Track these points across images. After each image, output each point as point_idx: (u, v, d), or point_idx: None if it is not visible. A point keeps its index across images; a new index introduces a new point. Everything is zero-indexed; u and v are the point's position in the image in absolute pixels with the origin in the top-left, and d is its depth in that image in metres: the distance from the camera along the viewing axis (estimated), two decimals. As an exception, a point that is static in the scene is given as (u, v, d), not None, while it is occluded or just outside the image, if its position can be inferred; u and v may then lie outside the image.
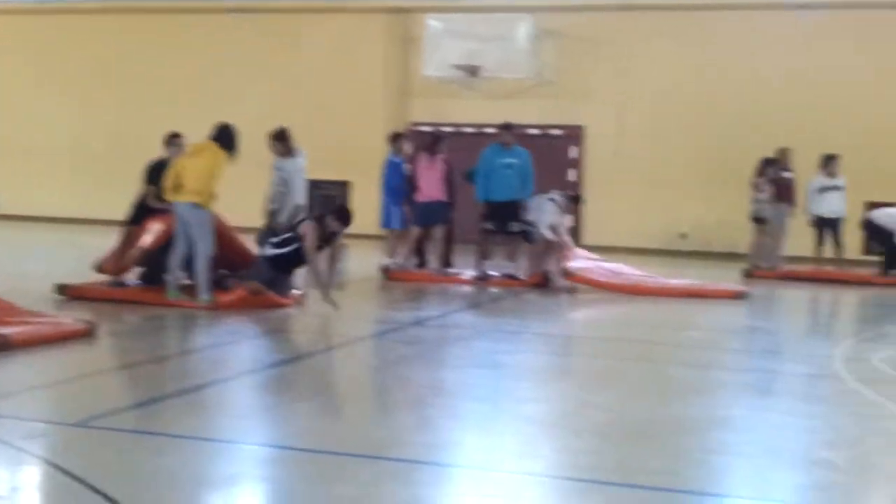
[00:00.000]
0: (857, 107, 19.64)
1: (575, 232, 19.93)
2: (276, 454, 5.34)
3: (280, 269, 10.35)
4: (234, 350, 8.50)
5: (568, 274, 13.09)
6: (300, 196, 12.05)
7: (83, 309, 9.44)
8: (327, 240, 10.35)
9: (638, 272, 14.06)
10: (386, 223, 14.48)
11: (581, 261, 13.66)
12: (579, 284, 12.92)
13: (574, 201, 15.59)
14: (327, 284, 10.14)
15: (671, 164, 20.67)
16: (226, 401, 6.63)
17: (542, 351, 8.99)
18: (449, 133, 15.29)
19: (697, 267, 17.27)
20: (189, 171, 10.11)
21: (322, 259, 10.24)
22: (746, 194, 16.69)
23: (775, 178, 16.40)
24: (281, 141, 11.98)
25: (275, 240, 10.45)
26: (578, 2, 21.26)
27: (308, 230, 10.20)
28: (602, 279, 13.18)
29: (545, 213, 13.60)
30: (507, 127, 13.96)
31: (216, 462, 5.12)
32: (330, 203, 22.20)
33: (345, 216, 10.56)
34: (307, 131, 22.29)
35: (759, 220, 16.32)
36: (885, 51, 19.77)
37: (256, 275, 10.32)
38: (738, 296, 12.95)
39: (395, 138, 14.78)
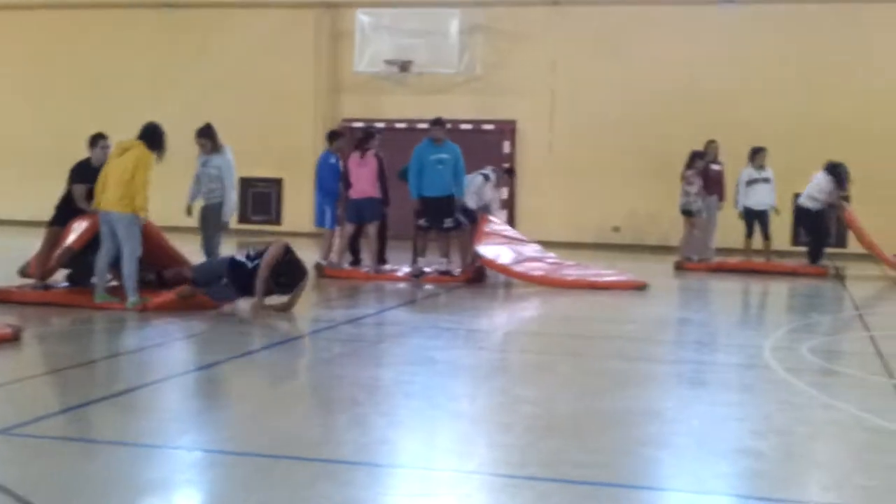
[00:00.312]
0: (784, 99, 20.01)
1: (510, 205, 20.12)
2: (208, 458, 5.28)
3: (238, 277, 10.20)
4: (163, 353, 8.40)
5: (476, 257, 13.34)
6: (234, 192, 11.97)
7: (8, 313, 9.25)
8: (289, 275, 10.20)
9: (551, 258, 14.35)
10: (319, 222, 14.41)
11: (494, 245, 13.81)
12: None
13: (508, 174, 15.86)
14: (260, 301, 10.05)
15: (603, 158, 20.85)
16: (155, 404, 6.54)
17: (475, 347, 9.02)
18: (380, 129, 15.21)
19: (629, 260, 17.45)
20: (113, 172, 9.96)
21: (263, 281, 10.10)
22: (677, 187, 16.88)
23: (704, 170, 16.61)
24: (208, 137, 11.84)
25: (252, 252, 10.32)
26: (506, -4, 21.35)
27: (275, 251, 10.07)
28: (510, 267, 13.41)
29: (476, 190, 13.95)
30: (437, 122, 13.94)
31: (146, 467, 5.04)
32: (265, 201, 22.21)
33: (298, 273, 10.35)
34: (238, 128, 22.11)
35: (688, 212, 16.52)
36: (811, 43, 20.13)
37: (209, 272, 10.30)
38: (639, 287, 13.15)
39: (333, 136, 14.71)
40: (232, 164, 11.88)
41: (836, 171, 15.90)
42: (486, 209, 14.65)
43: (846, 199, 16.40)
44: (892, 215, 18.94)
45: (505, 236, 14.39)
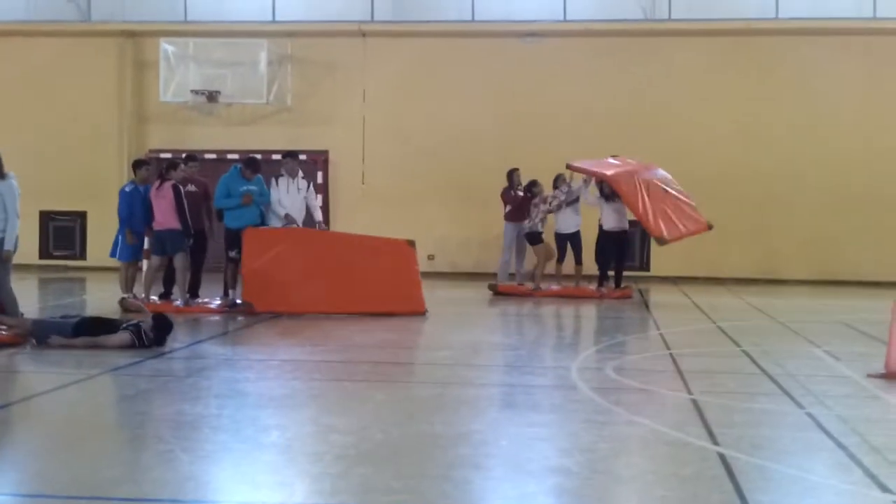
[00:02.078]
0: (591, 125, 20.67)
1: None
2: (4, 501, 5.00)
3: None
4: (-46, 394, 7.93)
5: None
6: (16, 220, 11.14)
7: None
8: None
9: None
10: (112, 253, 14.02)
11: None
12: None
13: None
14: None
15: (415, 187, 21.06)
16: (-57, 449, 6.16)
17: (286, 378, 8.88)
18: (194, 157, 14.91)
19: (446, 287, 17.63)
20: None
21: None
22: (487, 214, 17.19)
23: (508, 196, 16.97)
24: None
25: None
26: (314, 27, 21.35)
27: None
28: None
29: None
30: (250, 163, 14.03)
31: (-71, 516, 4.73)
32: (67, 235, 21.35)
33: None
34: (36, 159, 21.36)
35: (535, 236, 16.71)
36: (611, 70, 20.92)
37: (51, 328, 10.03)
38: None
39: (136, 165, 14.36)
40: (16, 191, 11.11)
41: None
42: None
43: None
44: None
45: None
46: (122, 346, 9.74)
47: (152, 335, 9.88)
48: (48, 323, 10.10)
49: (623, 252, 16.94)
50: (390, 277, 13.52)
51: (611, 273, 16.76)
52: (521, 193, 17.05)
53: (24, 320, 10.35)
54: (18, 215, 10.80)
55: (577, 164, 16.46)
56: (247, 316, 12.95)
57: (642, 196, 15.80)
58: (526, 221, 16.66)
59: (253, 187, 13.90)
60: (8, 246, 10.66)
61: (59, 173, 21.44)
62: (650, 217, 15.68)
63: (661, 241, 15.79)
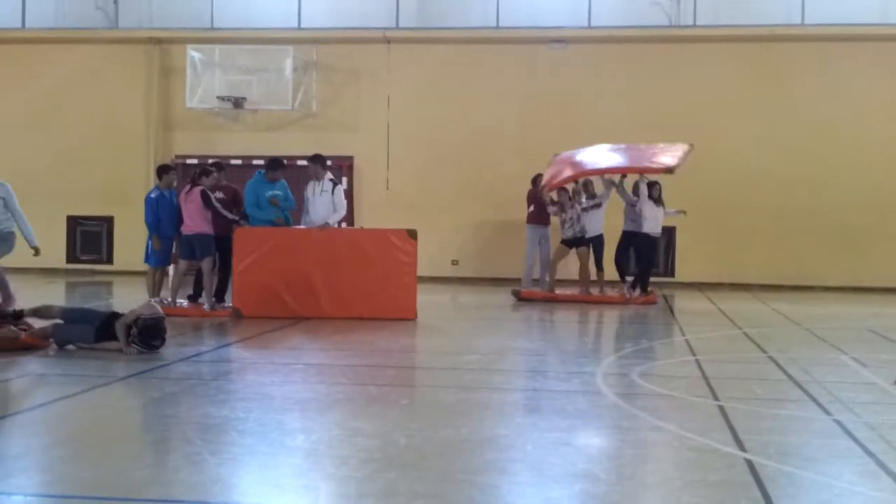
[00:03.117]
0: (617, 133, 20.61)
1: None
2: (33, 502, 5.04)
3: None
4: (-17, 397, 8.00)
5: None
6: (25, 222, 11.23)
7: None
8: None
9: None
10: (145, 259, 14.12)
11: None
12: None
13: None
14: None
15: (439, 192, 21.09)
16: (-27, 450, 6.22)
17: (311, 381, 8.91)
18: (219, 163, 15.00)
19: (469, 293, 17.63)
20: None
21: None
22: (512, 220, 17.20)
23: (531, 196, 17.01)
24: None
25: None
26: (339, 34, 21.43)
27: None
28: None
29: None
30: (272, 164, 14.12)
31: (-40, 516, 4.78)
32: (94, 240, 21.48)
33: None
34: (65, 165, 21.56)
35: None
36: (642, 80, 20.90)
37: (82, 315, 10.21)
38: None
39: (161, 171, 14.43)
40: (13, 195, 11.18)
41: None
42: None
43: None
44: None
45: None
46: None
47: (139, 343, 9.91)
48: (69, 329, 10.14)
49: (653, 257, 16.86)
50: (381, 281, 13.36)
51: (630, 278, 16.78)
52: (550, 200, 16.98)
53: (44, 326, 10.40)
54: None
55: (553, 182, 16.51)
56: (235, 320, 12.99)
57: (630, 155, 16.52)
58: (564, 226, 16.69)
59: (278, 192, 14.01)
60: (6, 251, 10.72)
61: (86, 178, 21.62)
62: (647, 164, 16.24)
63: (672, 170, 16.03)
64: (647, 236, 16.49)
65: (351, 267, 13.31)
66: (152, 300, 13.61)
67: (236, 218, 13.71)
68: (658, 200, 16.46)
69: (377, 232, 14.11)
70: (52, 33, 22.01)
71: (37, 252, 10.99)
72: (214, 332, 12.21)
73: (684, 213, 17.58)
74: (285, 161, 14.88)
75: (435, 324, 13.38)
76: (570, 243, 16.60)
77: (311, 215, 14.12)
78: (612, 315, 15.11)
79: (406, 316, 13.23)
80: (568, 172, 16.48)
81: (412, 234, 13.59)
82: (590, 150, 17.04)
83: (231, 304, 13.42)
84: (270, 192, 13.94)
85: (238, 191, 14.38)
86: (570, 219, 16.52)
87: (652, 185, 16.49)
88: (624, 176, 16.71)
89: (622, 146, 17.14)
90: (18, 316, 10.41)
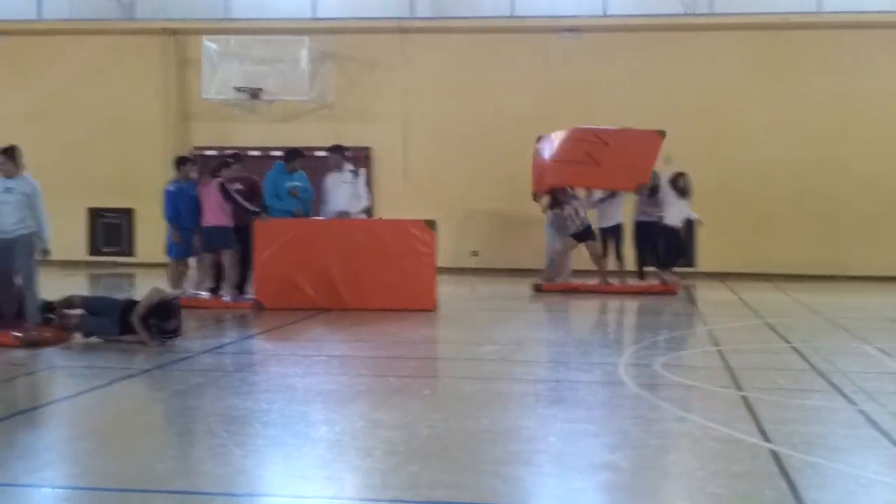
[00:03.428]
0: (631, 124, 20.55)
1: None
2: (60, 494, 5.08)
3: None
4: (11, 387, 8.05)
5: None
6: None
7: None
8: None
9: None
10: (166, 251, 14.16)
11: None
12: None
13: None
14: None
15: (458, 183, 21.04)
16: (5, 441, 6.25)
17: (334, 373, 8.93)
18: (237, 155, 15.01)
19: (488, 284, 17.62)
20: None
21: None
22: (530, 211, 17.18)
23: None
24: (13, 159, 10.43)
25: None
26: (354, 24, 21.40)
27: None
28: None
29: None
30: (290, 155, 14.14)
31: (-10, 508, 4.81)
32: (115, 232, 21.56)
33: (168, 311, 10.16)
34: (84, 157, 21.63)
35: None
36: (658, 70, 20.80)
37: (104, 305, 10.28)
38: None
39: (179, 163, 14.43)
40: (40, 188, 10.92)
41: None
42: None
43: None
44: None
45: None
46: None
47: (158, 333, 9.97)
48: (93, 321, 10.18)
49: (672, 247, 16.70)
50: (400, 271, 13.32)
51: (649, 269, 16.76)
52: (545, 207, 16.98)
53: (70, 317, 10.43)
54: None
55: (541, 189, 16.77)
56: (257, 312, 13.04)
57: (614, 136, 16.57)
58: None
59: (297, 183, 14.02)
60: (45, 245, 10.44)
61: (105, 171, 21.67)
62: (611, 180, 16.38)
63: (637, 189, 16.17)
64: (663, 227, 16.42)
65: (370, 258, 13.30)
66: (158, 287, 13.68)
67: (256, 209, 13.73)
68: (683, 192, 16.29)
69: (396, 223, 14.10)
70: (68, 24, 22.04)
71: (47, 254, 10.70)
72: (237, 324, 12.25)
73: (701, 222, 17.51)
74: (304, 152, 14.87)
75: (455, 315, 13.38)
76: (577, 237, 16.55)
77: (332, 205, 14.13)
78: (633, 305, 15.07)
79: (425, 307, 13.23)
80: (548, 179, 16.44)
81: (431, 225, 13.58)
82: (562, 140, 16.88)
83: (252, 296, 13.42)
84: (290, 183, 13.96)
85: (256, 181, 14.39)
86: (569, 215, 16.44)
87: (677, 177, 16.41)
88: None
89: (589, 135, 16.85)
90: (51, 308, 10.47)
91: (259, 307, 13.12)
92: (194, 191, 13.91)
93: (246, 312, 13.05)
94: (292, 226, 13.50)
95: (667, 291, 16.15)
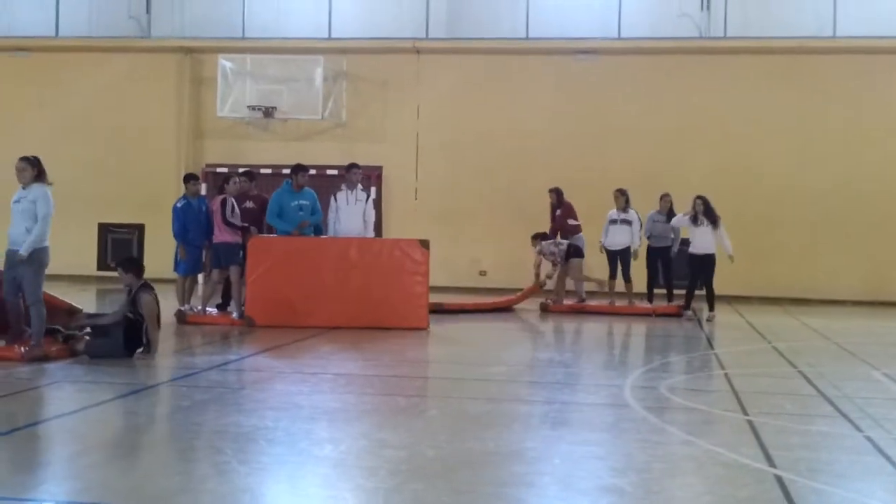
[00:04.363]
0: (644, 145, 20.60)
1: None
2: (60, 510, 5.09)
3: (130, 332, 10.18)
4: (15, 402, 8.07)
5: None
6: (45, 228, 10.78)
7: None
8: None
9: None
10: (174, 267, 14.23)
11: None
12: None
13: None
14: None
15: (468, 203, 21.09)
16: (6, 456, 6.27)
17: (339, 391, 8.93)
18: (244, 174, 15.07)
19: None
20: None
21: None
22: (539, 230, 17.27)
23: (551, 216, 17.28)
24: (33, 167, 10.17)
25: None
26: (369, 44, 21.50)
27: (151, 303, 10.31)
28: None
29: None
30: (296, 170, 14.18)
31: (-7, 522, 4.82)
32: (125, 248, 21.60)
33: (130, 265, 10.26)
34: (96, 172, 21.73)
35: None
36: (673, 93, 20.82)
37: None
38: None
39: (187, 179, 14.52)
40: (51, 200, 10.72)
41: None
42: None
43: None
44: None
45: None
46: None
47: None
48: (99, 344, 10.19)
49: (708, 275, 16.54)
50: (393, 290, 13.35)
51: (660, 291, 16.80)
52: (558, 213, 17.18)
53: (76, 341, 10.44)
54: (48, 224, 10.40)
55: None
56: (247, 328, 13.07)
57: None
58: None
59: (304, 201, 13.98)
60: (23, 251, 9.89)
61: (117, 186, 21.79)
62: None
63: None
64: (653, 249, 16.96)
65: (363, 276, 13.34)
66: (184, 309, 13.73)
67: (246, 225, 13.77)
68: (695, 220, 16.19)
69: (389, 241, 14.21)
70: (85, 42, 22.21)
71: (20, 258, 10.38)
72: (243, 341, 12.26)
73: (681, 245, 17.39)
74: (311, 169, 14.89)
75: (462, 335, 13.38)
76: (566, 259, 16.82)
77: (343, 224, 14.13)
78: (640, 328, 15.05)
79: (418, 325, 13.24)
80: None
81: (424, 244, 13.59)
82: None
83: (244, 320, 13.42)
84: (296, 202, 13.90)
85: (267, 200, 14.45)
86: (552, 253, 16.73)
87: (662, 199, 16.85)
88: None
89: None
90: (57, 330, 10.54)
91: (250, 323, 13.13)
92: (205, 207, 14.01)
93: (252, 329, 13.06)
94: (285, 244, 13.52)
95: (669, 312, 16.17)
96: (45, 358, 9.82)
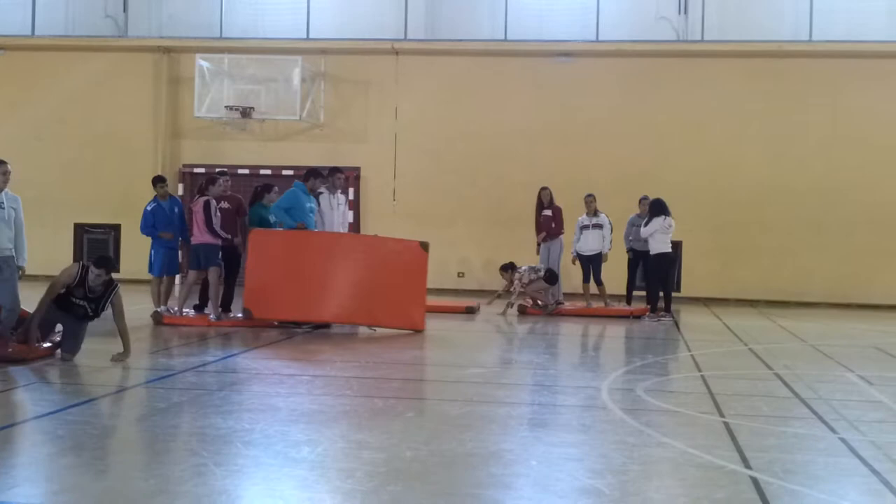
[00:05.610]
0: (620, 148, 20.68)
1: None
2: (35, 513, 5.06)
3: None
4: (-11, 405, 8.02)
5: None
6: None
7: None
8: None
9: None
10: (150, 268, 14.17)
11: None
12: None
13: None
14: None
15: (445, 204, 21.10)
16: (-21, 459, 6.23)
17: (317, 393, 8.91)
18: (224, 172, 15.02)
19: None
20: None
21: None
22: (517, 232, 17.28)
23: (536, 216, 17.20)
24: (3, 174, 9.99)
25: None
26: (348, 45, 21.49)
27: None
28: None
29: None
30: (311, 174, 14.09)
31: (-35, 525, 4.79)
32: (101, 248, 21.48)
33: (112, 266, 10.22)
34: (72, 173, 21.60)
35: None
36: (648, 95, 20.90)
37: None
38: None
39: (156, 181, 14.46)
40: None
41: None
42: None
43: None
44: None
45: None
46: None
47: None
48: (72, 343, 10.15)
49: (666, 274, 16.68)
50: (392, 290, 13.28)
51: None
52: (547, 213, 17.14)
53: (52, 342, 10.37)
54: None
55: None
56: (245, 320, 13.02)
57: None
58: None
59: (313, 205, 13.86)
60: (25, 263, 10.17)
61: (94, 186, 21.67)
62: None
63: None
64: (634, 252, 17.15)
65: (363, 274, 13.25)
66: (160, 310, 13.67)
67: (229, 236, 13.73)
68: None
69: (392, 241, 14.10)
70: (62, 41, 22.09)
71: (21, 273, 10.39)
72: (220, 343, 12.22)
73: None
74: (290, 169, 14.86)
75: (441, 335, 13.38)
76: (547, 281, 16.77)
77: (327, 227, 14.08)
78: (618, 330, 15.10)
79: (414, 327, 13.23)
80: None
81: (425, 247, 13.58)
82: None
83: (241, 312, 13.36)
84: (310, 204, 13.76)
85: (242, 201, 14.41)
86: (531, 281, 16.72)
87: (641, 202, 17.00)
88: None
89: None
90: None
91: (248, 316, 13.09)
92: (178, 208, 14.01)
93: (230, 330, 13.03)
94: (286, 237, 13.44)
95: (635, 313, 16.30)
96: (19, 359, 9.75)
